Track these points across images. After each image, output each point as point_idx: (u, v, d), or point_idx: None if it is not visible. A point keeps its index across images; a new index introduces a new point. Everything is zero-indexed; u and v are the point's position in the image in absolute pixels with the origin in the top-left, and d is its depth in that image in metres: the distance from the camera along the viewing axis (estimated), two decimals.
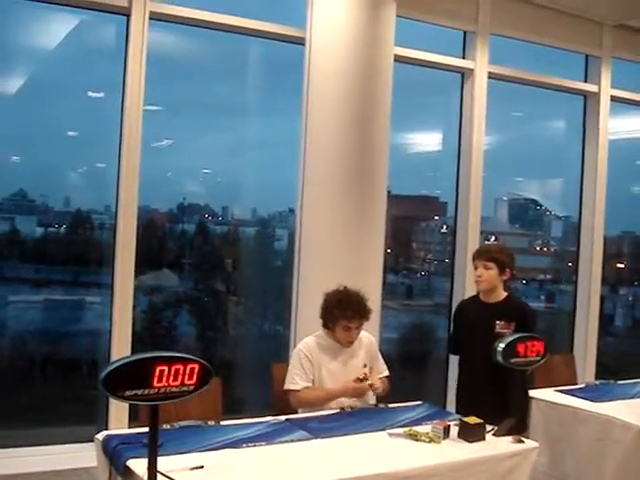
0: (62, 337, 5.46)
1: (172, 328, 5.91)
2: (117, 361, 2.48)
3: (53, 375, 5.23)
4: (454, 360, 5.27)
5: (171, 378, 2.52)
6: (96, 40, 5.18)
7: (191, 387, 2.59)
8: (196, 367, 2.59)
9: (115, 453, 2.90)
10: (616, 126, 6.94)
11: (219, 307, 6.08)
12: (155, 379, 2.50)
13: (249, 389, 5.58)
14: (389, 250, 6.56)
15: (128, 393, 2.47)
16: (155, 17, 4.66)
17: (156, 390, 2.51)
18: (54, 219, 5.59)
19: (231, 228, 6.27)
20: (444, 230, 6.88)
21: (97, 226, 5.51)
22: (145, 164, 4.67)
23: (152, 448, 2.55)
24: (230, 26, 4.93)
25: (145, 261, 5.22)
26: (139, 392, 2.48)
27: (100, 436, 3.12)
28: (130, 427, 3.82)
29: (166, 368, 2.51)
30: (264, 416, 3.63)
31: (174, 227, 6.04)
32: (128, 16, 4.59)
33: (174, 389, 2.55)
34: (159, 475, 2.58)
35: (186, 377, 2.56)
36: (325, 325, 4.06)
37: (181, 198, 5.93)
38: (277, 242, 6.35)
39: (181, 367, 2.55)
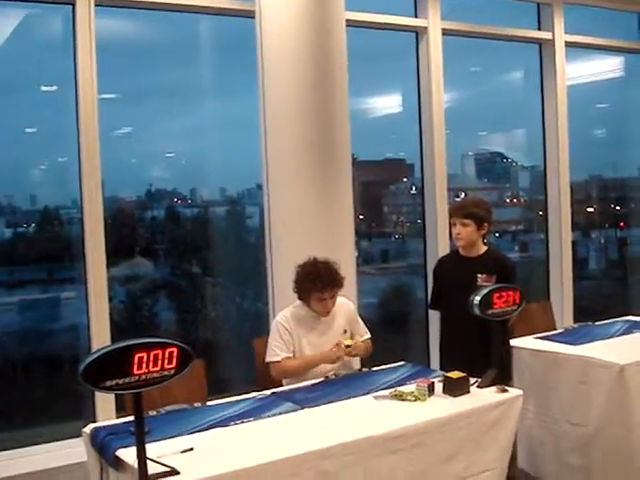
0: (42, 336, 5.42)
1: (152, 315, 5.90)
2: (95, 352, 2.46)
3: (37, 375, 5.20)
4: (434, 318, 5.33)
5: (151, 364, 2.50)
6: (44, 33, 5.11)
7: (172, 371, 2.58)
8: (175, 351, 2.57)
9: (104, 445, 2.90)
10: (575, 71, 6.97)
11: (197, 289, 6.07)
12: (135, 366, 2.48)
13: (234, 368, 5.60)
14: (361, 216, 6.57)
15: (109, 383, 2.45)
16: (101, 3, 4.58)
17: (137, 377, 2.49)
18: (22, 218, 5.53)
19: (201, 210, 6.25)
20: (413, 191, 6.90)
21: (66, 221, 5.46)
22: (107, 154, 4.62)
23: (139, 435, 2.54)
24: (177, 5, 4.85)
25: (118, 251, 5.20)
26: (120, 381, 2.46)
27: (87, 429, 3.10)
28: (117, 417, 3.82)
29: (145, 354, 2.50)
30: (250, 393, 3.65)
31: (144, 214, 6.00)
32: (73, 5, 4.50)
33: (155, 374, 2.53)
34: (149, 461, 2.58)
35: (166, 362, 2.54)
36: (300, 298, 4.08)
37: (148, 185, 5.89)
38: (249, 219, 6.33)
39: (160, 352, 2.53)
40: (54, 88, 5.15)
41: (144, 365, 2.50)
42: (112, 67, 4.83)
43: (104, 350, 2.48)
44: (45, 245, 5.56)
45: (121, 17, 5.09)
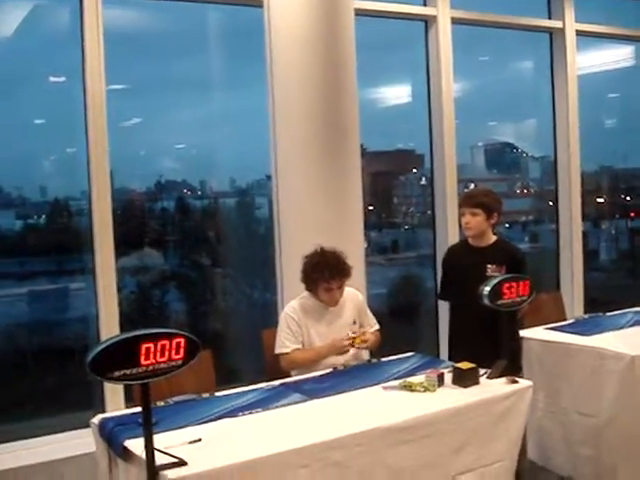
0: (52, 326, 5.44)
1: (162, 306, 5.91)
2: (102, 343, 2.46)
3: (46, 365, 5.21)
4: (444, 309, 5.31)
5: (158, 354, 2.51)
6: (52, 24, 5.10)
7: (179, 361, 2.58)
8: (182, 341, 2.57)
9: (112, 435, 2.90)
10: (586, 60, 6.92)
11: (206, 280, 6.07)
12: (142, 357, 2.48)
13: (243, 358, 5.60)
14: (371, 207, 6.56)
15: (117, 374, 2.45)
16: None
17: (144, 368, 2.49)
18: (32, 210, 5.54)
19: (211, 201, 6.25)
20: (423, 182, 6.87)
21: (75, 212, 5.46)
22: (116, 145, 4.61)
23: (147, 426, 2.54)
24: None
25: (128, 242, 5.21)
26: (127, 372, 2.47)
27: (96, 420, 3.11)
28: (127, 408, 3.82)
29: (152, 345, 2.50)
30: (259, 383, 3.64)
31: (154, 205, 6.00)
32: None
33: (162, 365, 2.54)
34: (157, 452, 2.57)
35: (173, 352, 2.54)
36: (307, 288, 4.07)
37: (158, 176, 5.89)
38: (258, 210, 6.32)
39: (167, 342, 2.54)
40: (62, 79, 5.14)
41: (151, 355, 2.51)
42: (121, 58, 4.82)
43: (111, 341, 2.48)
44: (55, 236, 5.57)
45: (129, 8, 5.07)
